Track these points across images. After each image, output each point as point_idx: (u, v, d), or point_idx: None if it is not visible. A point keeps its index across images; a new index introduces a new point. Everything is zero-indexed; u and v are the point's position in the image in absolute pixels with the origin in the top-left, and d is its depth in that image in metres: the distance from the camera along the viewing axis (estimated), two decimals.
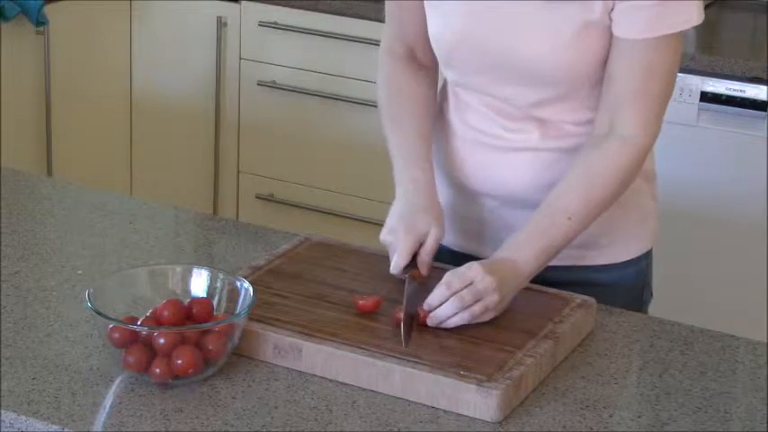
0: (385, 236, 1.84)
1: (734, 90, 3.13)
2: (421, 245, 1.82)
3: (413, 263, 1.81)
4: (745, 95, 3.12)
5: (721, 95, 3.15)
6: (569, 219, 1.80)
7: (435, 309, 1.71)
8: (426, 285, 1.76)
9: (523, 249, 1.78)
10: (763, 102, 3.11)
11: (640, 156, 1.83)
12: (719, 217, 3.21)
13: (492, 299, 1.72)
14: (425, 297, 1.73)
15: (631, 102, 1.80)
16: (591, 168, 1.82)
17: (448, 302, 1.71)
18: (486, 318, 1.73)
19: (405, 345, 1.66)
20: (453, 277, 1.72)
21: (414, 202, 1.86)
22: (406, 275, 1.78)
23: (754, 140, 3.13)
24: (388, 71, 2.00)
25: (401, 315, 1.70)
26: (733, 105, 3.14)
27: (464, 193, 1.98)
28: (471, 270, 1.73)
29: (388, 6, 2.00)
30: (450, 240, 2.00)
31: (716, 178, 3.20)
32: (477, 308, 1.71)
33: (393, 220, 1.85)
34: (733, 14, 3.58)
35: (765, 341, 1.83)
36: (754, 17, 3.58)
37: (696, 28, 1.80)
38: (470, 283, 1.72)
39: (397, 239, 1.81)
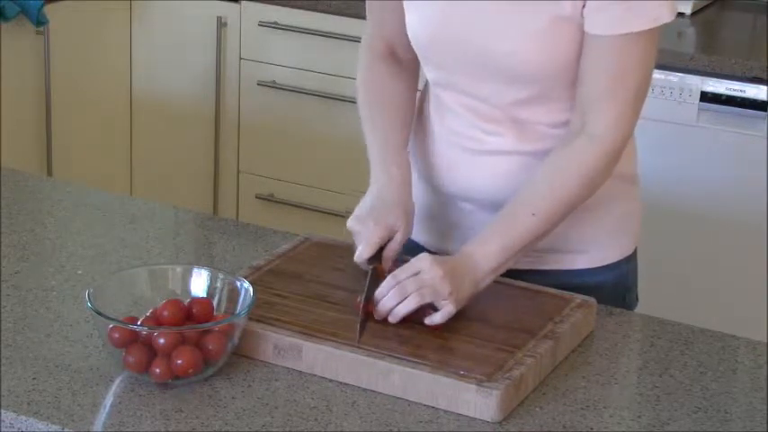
0: (352, 224, 1.84)
1: (734, 90, 3.13)
2: (389, 239, 1.82)
3: (378, 256, 1.81)
4: (745, 95, 3.12)
5: (721, 95, 3.15)
6: (533, 215, 1.79)
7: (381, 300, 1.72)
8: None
9: (484, 244, 1.78)
10: (763, 102, 3.11)
11: (609, 155, 1.81)
12: (719, 217, 3.21)
13: (442, 289, 1.71)
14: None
15: (601, 100, 1.79)
16: (556, 166, 1.81)
17: (390, 293, 1.71)
18: (446, 309, 1.71)
19: (358, 338, 1.67)
20: (400, 270, 1.73)
21: (386, 196, 1.87)
22: (370, 267, 1.78)
23: (754, 140, 3.13)
24: (366, 68, 2.01)
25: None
26: (733, 105, 3.14)
27: (441, 196, 1.98)
28: (419, 261, 1.74)
29: (369, 5, 2.01)
30: (427, 240, 2.00)
31: (716, 178, 3.20)
32: (425, 291, 1.70)
33: (363, 209, 1.85)
34: (733, 14, 3.58)
35: (765, 341, 1.83)
36: (754, 17, 3.58)
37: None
38: (416, 273, 1.72)
39: (366, 229, 1.82)
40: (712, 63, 3.13)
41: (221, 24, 3.74)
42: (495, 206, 1.86)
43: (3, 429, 1.55)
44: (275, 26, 3.66)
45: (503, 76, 1.84)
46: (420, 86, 2.03)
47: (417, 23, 1.89)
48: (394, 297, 1.71)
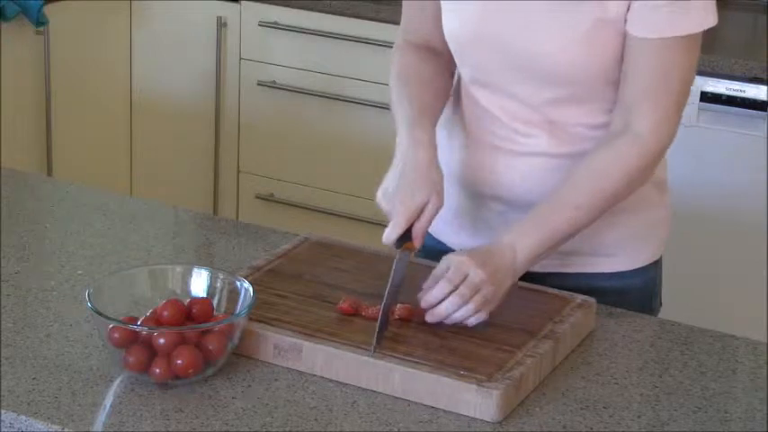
0: (381, 200, 1.81)
1: (734, 90, 3.13)
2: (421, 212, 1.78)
3: (407, 234, 1.77)
4: (745, 95, 3.12)
5: (721, 95, 3.15)
6: (576, 209, 1.79)
7: (435, 305, 1.71)
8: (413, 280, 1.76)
9: (524, 235, 1.78)
10: (763, 102, 3.11)
11: (651, 156, 1.82)
12: (719, 217, 3.21)
13: (487, 290, 1.71)
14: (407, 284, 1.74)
15: (644, 102, 1.80)
16: (599, 164, 1.81)
17: (449, 299, 1.70)
18: (484, 311, 1.72)
19: (374, 347, 1.64)
20: (452, 273, 1.72)
21: (413, 166, 1.80)
22: (399, 248, 1.76)
23: (754, 140, 3.13)
24: (400, 59, 1.98)
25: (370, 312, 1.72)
26: (733, 105, 3.14)
27: (473, 196, 1.97)
28: (464, 265, 1.72)
29: (405, 6, 1.99)
30: (457, 241, 1.99)
31: (716, 178, 3.20)
32: (477, 298, 1.71)
33: (390, 184, 1.81)
34: (733, 14, 3.58)
35: (765, 341, 1.83)
36: (754, 17, 3.58)
37: None
38: (465, 277, 1.72)
39: (394, 210, 1.78)
40: (712, 63, 3.13)
41: (221, 24, 3.74)
42: (526, 207, 1.86)
43: (3, 429, 1.55)
44: (275, 26, 3.66)
45: (541, 76, 1.83)
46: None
47: (456, 23, 1.88)
48: (454, 303, 1.70)
